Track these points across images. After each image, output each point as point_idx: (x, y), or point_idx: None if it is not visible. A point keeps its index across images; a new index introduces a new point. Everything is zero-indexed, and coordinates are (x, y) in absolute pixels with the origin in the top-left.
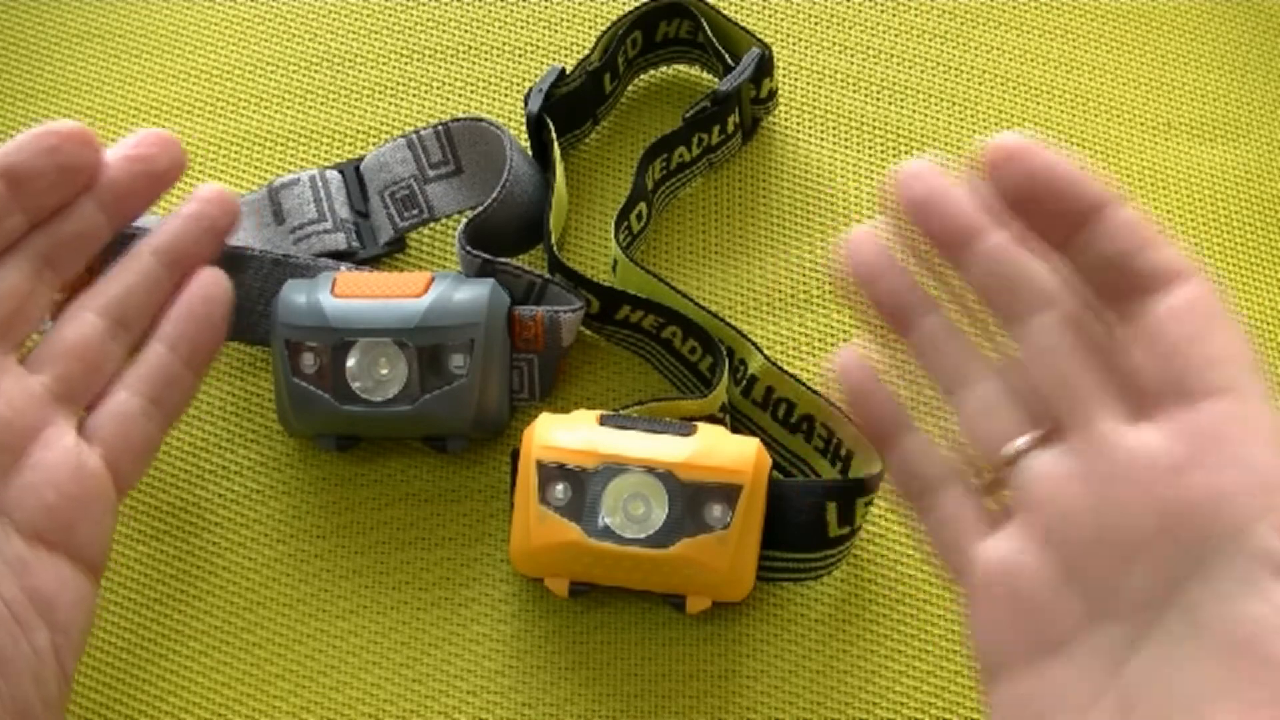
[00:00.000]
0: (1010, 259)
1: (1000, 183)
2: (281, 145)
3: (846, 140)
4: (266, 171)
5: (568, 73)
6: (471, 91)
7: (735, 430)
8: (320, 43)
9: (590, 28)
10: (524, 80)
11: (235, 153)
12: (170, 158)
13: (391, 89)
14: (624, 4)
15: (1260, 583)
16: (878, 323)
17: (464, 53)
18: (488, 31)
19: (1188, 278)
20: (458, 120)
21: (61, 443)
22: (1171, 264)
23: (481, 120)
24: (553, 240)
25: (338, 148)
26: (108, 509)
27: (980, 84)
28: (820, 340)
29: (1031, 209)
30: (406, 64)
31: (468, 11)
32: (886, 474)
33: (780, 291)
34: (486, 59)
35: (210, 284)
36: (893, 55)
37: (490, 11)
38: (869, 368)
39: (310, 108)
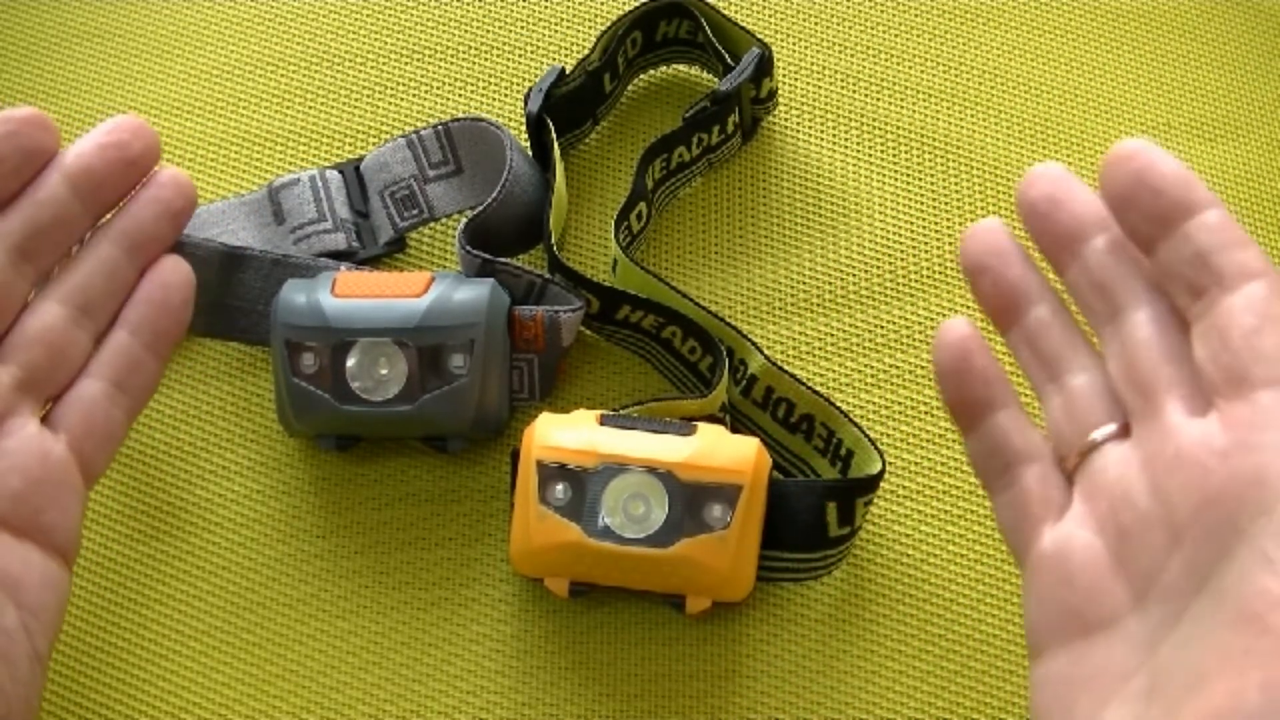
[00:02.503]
0: (1112, 259)
1: (1111, 184)
2: (281, 145)
3: (847, 140)
4: (266, 171)
5: (568, 72)
6: (471, 91)
7: (735, 430)
8: (320, 42)
9: (590, 27)
10: (524, 80)
11: (235, 153)
12: (144, 143)
13: (391, 88)
14: (624, 4)
15: (1277, 558)
16: (990, 313)
17: (464, 52)
18: (487, 31)
19: (1259, 277)
20: (458, 120)
21: (25, 430)
22: (1247, 264)
23: (481, 120)
24: (553, 240)
25: (338, 148)
26: (75, 495)
27: (981, 83)
28: (820, 341)
29: (1134, 209)
30: (406, 63)
31: (467, 11)
32: (966, 449)
33: (780, 292)
34: (486, 58)
35: (170, 270)
36: (893, 54)
37: (490, 11)
38: (977, 338)
39: (310, 107)
